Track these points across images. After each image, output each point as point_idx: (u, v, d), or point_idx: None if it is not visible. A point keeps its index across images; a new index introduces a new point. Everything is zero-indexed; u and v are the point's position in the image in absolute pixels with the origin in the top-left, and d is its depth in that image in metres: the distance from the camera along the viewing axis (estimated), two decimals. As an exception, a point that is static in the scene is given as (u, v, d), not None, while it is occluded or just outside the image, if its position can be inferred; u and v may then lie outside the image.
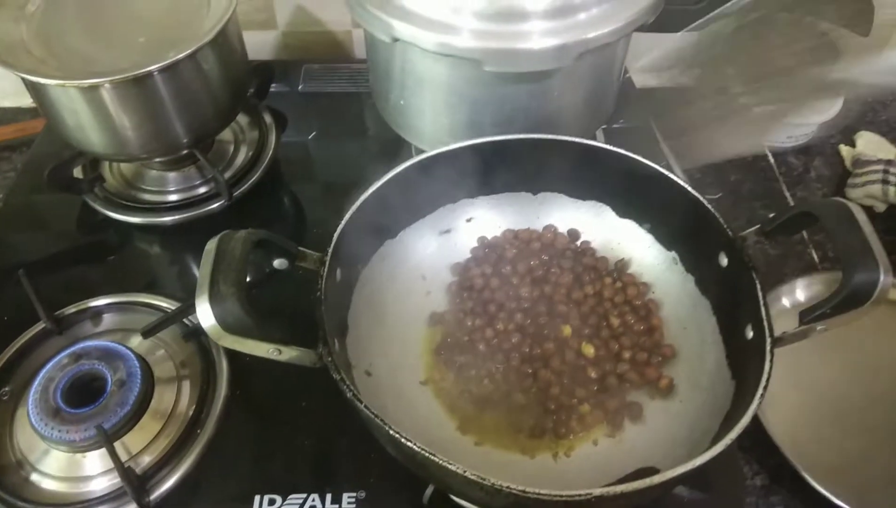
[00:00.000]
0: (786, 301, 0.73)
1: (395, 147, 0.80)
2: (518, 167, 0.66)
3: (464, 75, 0.64)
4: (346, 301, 0.59)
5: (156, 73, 0.66)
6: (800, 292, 0.73)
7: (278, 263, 0.53)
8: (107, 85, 0.65)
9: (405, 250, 0.67)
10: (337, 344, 0.52)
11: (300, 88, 0.96)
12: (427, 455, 0.43)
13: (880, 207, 0.83)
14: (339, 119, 0.92)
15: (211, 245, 0.48)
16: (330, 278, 0.53)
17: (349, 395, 0.46)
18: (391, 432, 0.44)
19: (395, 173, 0.59)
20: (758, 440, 0.61)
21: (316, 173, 0.88)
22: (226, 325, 0.44)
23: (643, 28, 0.64)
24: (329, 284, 0.52)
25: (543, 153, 0.64)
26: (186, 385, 0.64)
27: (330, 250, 0.53)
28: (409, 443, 0.43)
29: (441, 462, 0.42)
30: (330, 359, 0.47)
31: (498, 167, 0.66)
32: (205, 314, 0.44)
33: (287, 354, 0.48)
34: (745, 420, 0.45)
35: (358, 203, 0.57)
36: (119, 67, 0.65)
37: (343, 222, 0.55)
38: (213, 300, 0.44)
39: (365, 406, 0.45)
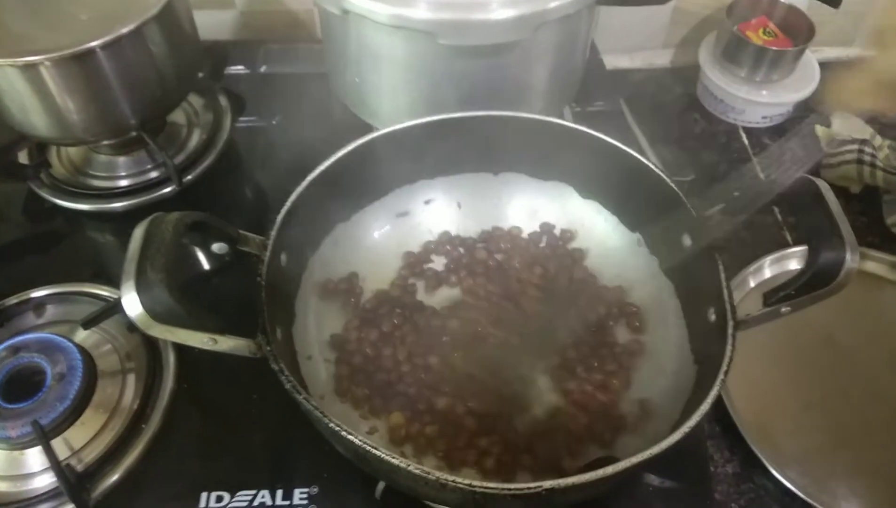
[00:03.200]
0: (752, 281, 0.71)
1: (362, 130, 0.77)
2: (478, 146, 0.64)
3: (419, 50, 0.61)
4: (294, 288, 0.56)
5: (98, 49, 0.63)
6: (768, 270, 0.72)
7: (217, 247, 0.50)
8: (46, 63, 0.62)
9: (360, 234, 0.64)
10: (280, 333, 0.49)
11: (262, 69, 0.93)
12: (369, 448, 0.40)
13: (856, 187, 0.81)
14: (301, 101, 0.88)
15: (139, 229, 0.45)
16: (273, 263, 0.50)
17: (287, 386, 0.43)
18: (331, 424, 0.41)
19: (344, 153, 0.57)
20: (728, 426, 0.60)
21: (277, 158, 0.84)
22: (154, 314, 0.42)
23: (606, 1, 0.61)
24: (272, 269, 0.50)
25: (504, 131, 0.62)
26: (131, 379, 0.61)
27: (273, 234, 0.51)
28: (349, 436, 0.41)
29: (384, 456, 0.40)
30: (269, 349, 0.44)
31: (457, 146, 0.63)
32: (131, 303, 0.41)
33: (223, 343, 0.45)
34: (704, 408, 0.43)
35: (304, 185, 0.54)
36: (60, 44, 0.62)
37: (287, 205, 0.52)
38: (140, 288, 0.41)
39: (304, 398, 0.42)
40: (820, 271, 0.45)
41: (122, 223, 0.75)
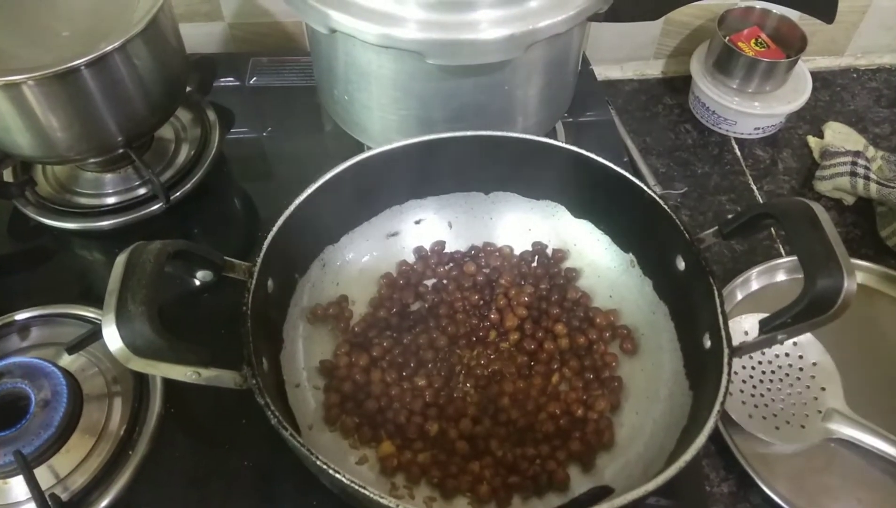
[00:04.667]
0: (739, 294, 0.71)
1: (354, 144, 0.76)
2: (468, 166, 0.63)
3: (408, 69, 0.60)
4: (281, 314, 0.55)
5: (82, 67, 0.61)
6: (755, 282, 0.72)
7: (202, 275, 0.49)
8: (29, 82, 0.61)
9: (349, 256, 0.63)
10: (266, 363, 0.48)
11: (251, 81, 0.92)
12: (357, 488, 0.39)
13: (849, 199, 0.81)
14: (292, 115, 0.87)
15: (120, 259, 0.44)
16: (259, 289, 0.49)
17: (273, 422, 0.42)
18: (318, 462, 0.40)
19: (332, 175, 0.56)
20: (724, 445, 0.60)
21: (268, 173, 0.83)
22: (135, 348, 0.41)
23: (598, 17, 0.60)
24: (258, 296, 0.49)
25: (494, 151, 0.61)
26: (118, 402, 0.60)
27: (259, 260, 0.50)
28: (338, 475, 0.40)
29: (373, 495, 0.39)
30: (254, 382, 0.43)
31: (447, 166, 0.62)
32: (111, 337, 0.41)
33: (207, 376, 0.44)
34: (701, 440, 0.42)
35: (291, 208, 0.53)
36: (42, 62, 0.61)
37: (274, 230, 0.51)
38: (121, 321, 0.41)
39: (290, 435, 0.41)
40: (817, 298, 0.44)
41: (110, 242, 0.74)
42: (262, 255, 0.50)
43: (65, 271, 0.73)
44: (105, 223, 0.73)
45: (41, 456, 0.55)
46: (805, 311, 0.45)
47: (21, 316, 0.65)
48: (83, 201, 0.75)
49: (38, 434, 0.55)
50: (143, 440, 0.58)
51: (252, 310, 0.47)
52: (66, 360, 0.62)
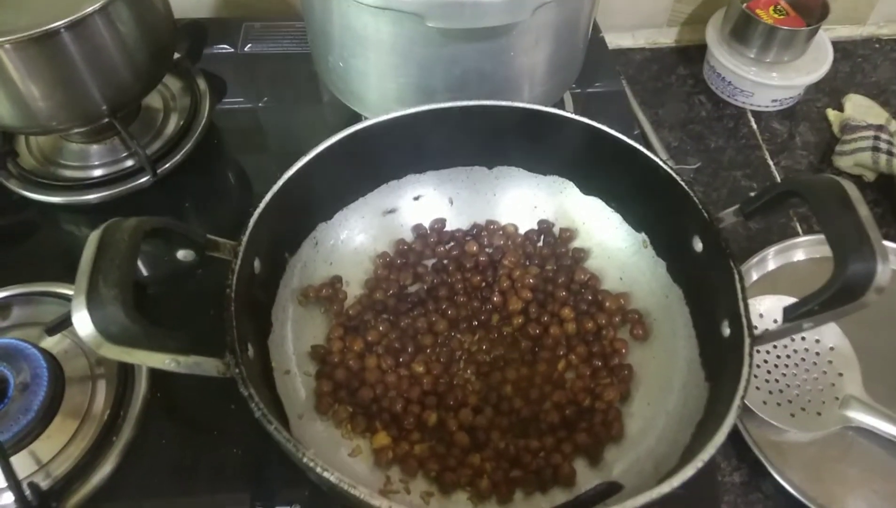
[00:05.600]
0: (755, 274, 0.69)
1: (354, 115, 0.73)
2: (471, 138, 0.60)
3: (407, 33, 0.57)
4: (270, 296, 0.53)
5: (62, 31, 0.59)
6: (772, 262, 0.70)
7: (183, 254, 0.46)
8: (6, 46, 0.58)
9: (343, 234, 0.61)
10: (252, 349, 0.45)
11: (247, 48, 0.88)
12: (346, 487, 0.36)
13: (870, 176, 0.79)
14: (288, 84, 0.84)
15: (93, 237, 0.41)
16: (245, 270, 0.46)
17: (257, 415, 0.39)
18: (305, 459, 0.37)
19: (324, 147, 0.53)
20: (736, 433, 0.58)
21: (263, 145, 0.81)
22: (107, 334, 0.38)
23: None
24: (243, 277, 0.46)
25: (498, 122, 0.58)
26: (102, 385, 0.58)
27: (244, 239, 0.47)
28: (325, 473, 0.37)
29: (362, 496, 0.36)
30: (237, 371, 0.40)
31: (448, 138, 0.59)
32: (82, 322, 0.38)
33: (187, 364, 0.41)
34: (720, 438, 0.40)
35: (279, 184, 0.50)
36: (20, 25, 0.58)
37: (260, 207, 0.48)
38: (92, 305, 0.38)
39: (276, 429, 0.38)
40: (847, 284, 0.41)
41: (97, 216, 0.69)
42: (247, 233, 0.47)
43: (49, 247, 0.71)
44: (91, 197, 0.71)
45: (20, 442, 0.53)
46: (834, 298, 0.42)
47: (1, 294, 0.63)
48: (68, 173, 0.73)
49: (16, 420, 0.53)
50: (127, 425, 0.56)
51: (237, 292, 0.44)
52: (48, 341, 0.59)
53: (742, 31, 0.83)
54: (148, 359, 0.40)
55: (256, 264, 0.49)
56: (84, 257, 0.40)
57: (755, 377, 0.59)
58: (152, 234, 0.43)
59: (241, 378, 0.40)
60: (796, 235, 0.73)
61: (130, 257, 0.40)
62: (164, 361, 0.40)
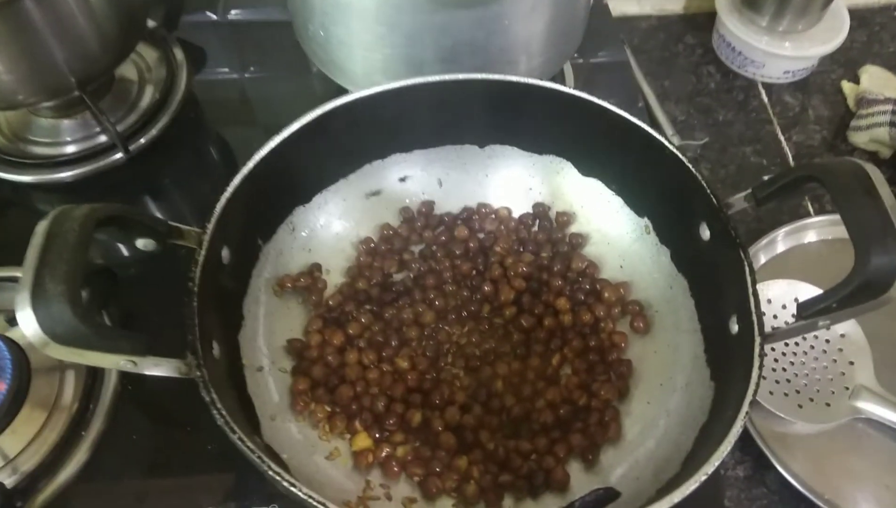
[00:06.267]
0: (763, 257, 0.66)
1: (341, 89, 0.70)
2: (461, 114, 0.57)
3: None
4: (241, 286, 0.50)
5: None
6: (781, 244, 0.67)
7: (142, 243, 0.43)
8: None
9: (323, 219, 0.58)
10: (218, 347, 0.43)
11: (229, 16, 0.84)
12: (316, 504, 0.33)
13: (886, 152, 0.76)
14: (274, 54, 0.80)
15: (40, 227, 0.38)
16: (211, 260, 0.43)
17: (220, 422, 0.37)
18: (270, 472, 0.34)
19: (301, 125, 0.49)
20: None
21: (248, 119, 0.78)
22: (53, 334, 0.35)
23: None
24: (209, 268, 0.43)
25: (491, 97, 0.54)
26: (70, 376, 0.55)
27: (211, 226, 0.43)
28: (293, 489, 0.34)
29: (332, 512, 0.33)
30: (199, 374, 0.37)
31: (437, 115, 0.56)
32: (26, 320, 0.35)
33: (145, 366, 0.38)
34: (726, 447, 0.37)
35: (250, 165, 0.47)
36: None
37: (228, 192, 0.45)
38: (37, 303, 0.35)
39: (239, 438, 0.35)
40: (869, 279, 0.37)
41: (71, 196, 0.68)
42: (213, 221, 0.43)
43: (20, 230, 0.65)
44: (64, 175, 0.68)
45: (-18, 439, 0.51)
46: (854, 294, 0.39)
47: (-35, 280, 0.60)
48: (39, 150, 0.70)
49: (-23, 414, 0.51)
50: (97, 418, 0.54)
51: (200, 285, 0.41)
52: (15, 331, 0.56)
53: (754, -3, 0.80)
54: (100, 360, 0.37)
55: (225, 252, 0.46)
56: (30, 249, 0.37)
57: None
58: (107, 222, 0.40)
59: (203, 382, 0.38)
60: (808, 215, 0.70)
61: (80, 249, 0.37)
62: (118, 362, 0.38)
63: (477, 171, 0.61)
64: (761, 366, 0.39)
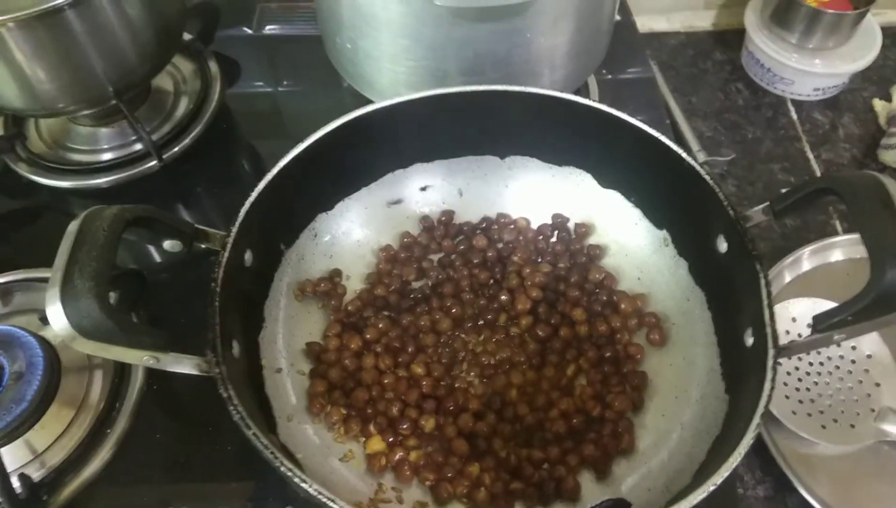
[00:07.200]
0: (788, 275, 0.65)
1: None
2: (482, 126, 0.57)
3: (416, 12, 0.54)
4: (263, 289, 0.51)
5: (66, 8, 0.57)
6: (807, 262, 0.66)
7: (169, 245, 0.44)
8: (9, 24, 0.57)
9: (344, 226, 0.59)
10: (239, 346, 0.44)
11: (264, 31, 0.86)
12: (325, 500, 0.34)
13: None
14: (305, 68, 0.82)
15: (72, 227, 0.40)
16: (234, 262, 0.44)
17: (236, 418, 0.38)
18: (282, 468, 0.35)
19: (325, 133, 0.51)
20: (761, 444, 0.55)
21: (279, 131, 0.80)
22: (81, 329, 0.37)
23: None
24: (231, 270, 0.44)
25: (512, 109, 0.55)
26: (99, 375, 0.57)
27: (234, 229, 0.45)
28: (304, 485, 0.35)
29: (341, 510, 0.34)
30: (217, 371, 0.38)
31: (458, 125, 0.57)
32: (55, 315, 0.37)
33: (166, 362, 0.40)
34: (736, 458, 0.37)
35: (274, 172, 0.48)
36: (22, 3, 0.56)
37: (253, 197, 0.46)
38: (66, 298, 0.37)
39: (254, 434, 0.36)
40: (885, 292, 0.37)
41: (107, 201, 0.69)
42: (237, 224, 0.45)
43: (56, 233, 0.68)
44: (100, 181, 0.70)
45: (13, 432, 0.52)
46: (870, 308, 0.38)
47: (3, 279, 0.62)
48: (77, 157, 0.72)
49: (9, 410, 0.52)
50: (122, 417, 0.55)
51: (223, 286, 0.43)
52: (48, 329, 0.57)
53: (783, 14, 0.80)
54: (124, 355, 0.39)
55: (248, 256, 0.47)
56: (61, 247, 0.39)
57: (784, 384, 0.56)
58: (136, 223, 0.41)
59: (221, 378, 0.39)
60: (835, 233, 0.69)
61: (109, 248, 0.39)
62: (141, 358, 0.39)
63: (497, 181, 0.61)
64: (774, 379, 0.39)
